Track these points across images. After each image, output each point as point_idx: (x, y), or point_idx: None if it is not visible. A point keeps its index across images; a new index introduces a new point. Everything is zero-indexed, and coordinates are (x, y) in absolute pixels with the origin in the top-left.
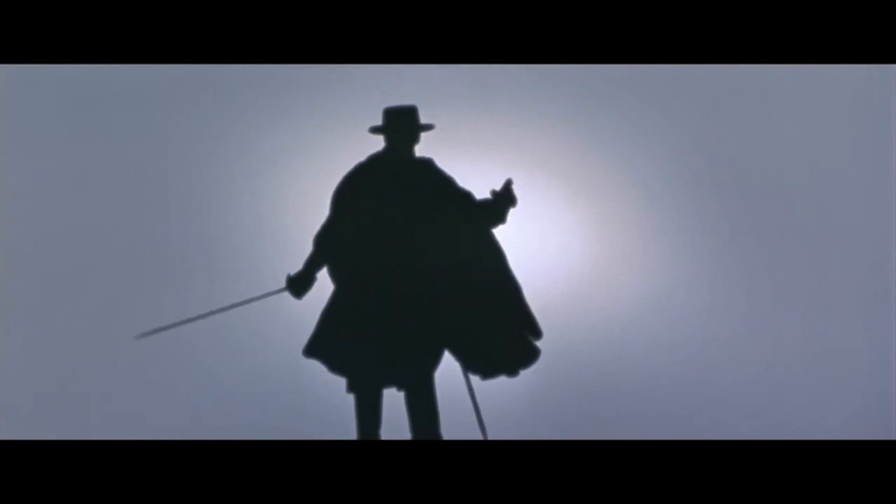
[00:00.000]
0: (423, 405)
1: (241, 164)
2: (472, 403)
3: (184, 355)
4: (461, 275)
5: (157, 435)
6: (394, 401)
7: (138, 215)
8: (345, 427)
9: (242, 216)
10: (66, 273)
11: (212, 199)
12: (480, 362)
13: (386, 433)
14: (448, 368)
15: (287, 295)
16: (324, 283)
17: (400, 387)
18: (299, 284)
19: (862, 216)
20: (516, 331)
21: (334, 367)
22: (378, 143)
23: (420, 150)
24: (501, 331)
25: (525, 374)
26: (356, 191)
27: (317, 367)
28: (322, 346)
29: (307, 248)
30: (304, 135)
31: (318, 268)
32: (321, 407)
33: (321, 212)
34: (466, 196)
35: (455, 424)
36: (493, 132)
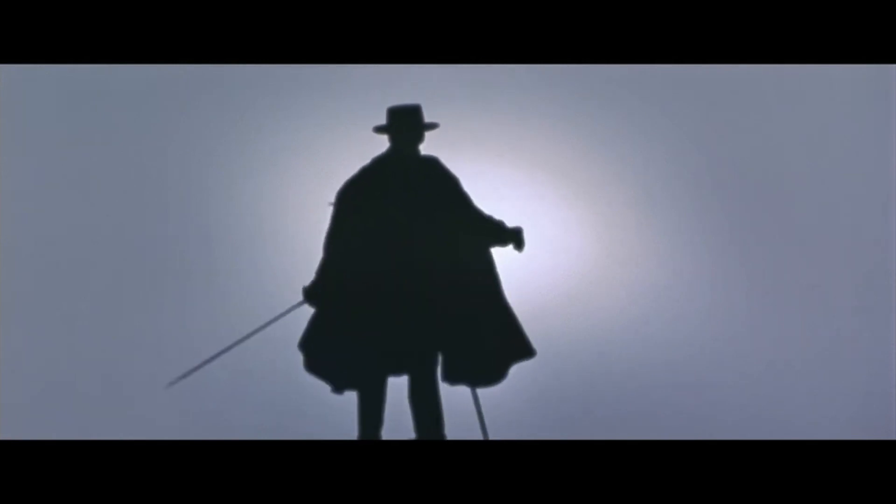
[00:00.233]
0: (426, 407)
1: (241, 164)
2: (474, 404)
3: (184, 355)
4: (453, 279)
5: (157, 435)
6: (394, 401)
7: (138, 215)
8: (345, 427)
9: (242, 216)
10: (66, 273)
11: (212, 199)
12: (465, 370)
13: (386, 433)
14: None
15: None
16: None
17: (403, 373)
18: (317, 294)
19: (862, 216)
20: (498, 345)
21: (336, 382)
22: (380, 143)
23: (422, 150)
24: (483, 343)
25: (525, 374)
26: (361, 194)
27: None
28: (320, 361)
29: (307, 248)
30: (304, 135)
31: (332, 275)
32: (321, 407)
33: (321, 212)
34: (468, 203)
35: (455, 424)
36: (493, 132)
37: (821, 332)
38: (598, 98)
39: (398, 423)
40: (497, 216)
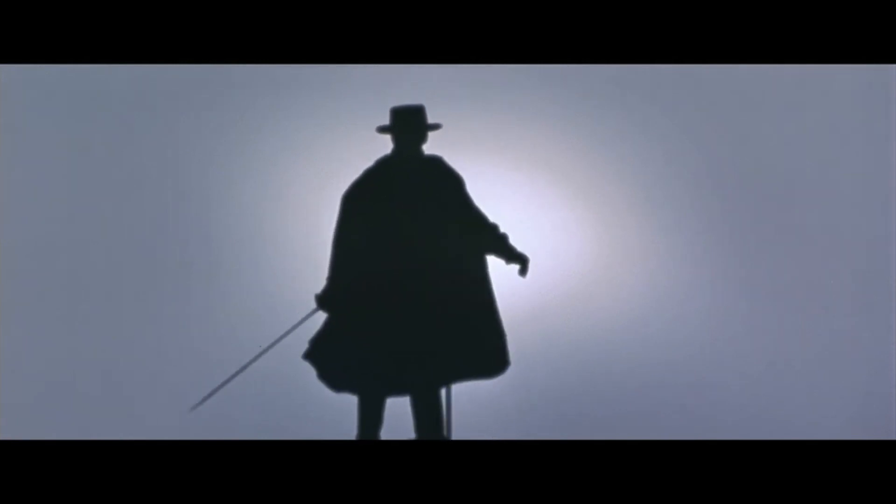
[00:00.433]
0: (428, 409)
1: (241, 164)
2: (445, 401)
3: (184, 355)
4: (452, 281)
5: (157, 435)
6: (394, 401)
7: (138, 215)
8: (345, 427)
9: (242, 216)
10: (66, 273)
11: (212, 199)
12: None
13: (386, 433)
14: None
15: (300, 300)
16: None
17: (405, 394)
18: (330, 300)
19: (862, 216)
20: (484, 347)
21: (338, 385)
22: (381, 143)
23: (424, 150)
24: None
25: (525, 374)
26: (367, 196)
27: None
28: (327, 365)
29: (307, 248)
30: (304, 135)
31: (343, 280)
32: (321, 407)
33: (321, 211)
34: (470, 205)
35: (455, 425)
36: (493, 132)
37: (821, 332)
38: (598, 98)
39: (398, 423)
40: (497, 216)
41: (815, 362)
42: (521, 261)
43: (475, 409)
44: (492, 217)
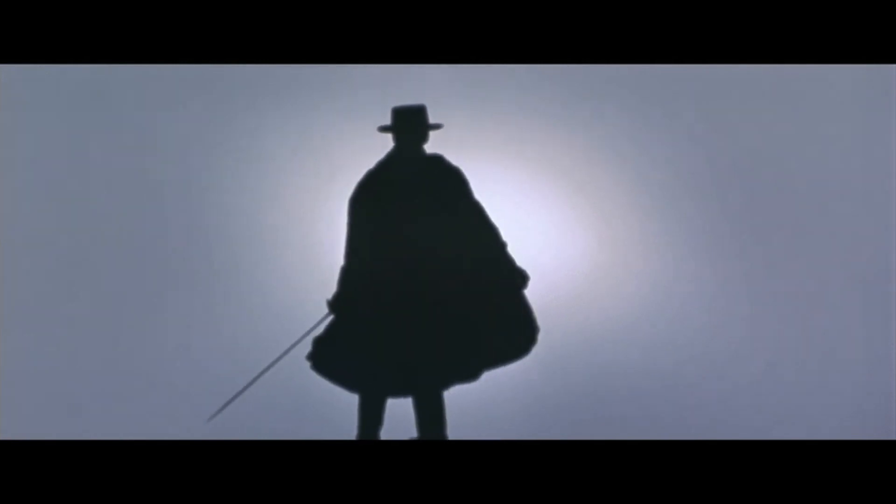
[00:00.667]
0: (428, 407)
1: (241, 163)
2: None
3: (184, 355)
4: (467, 278)
5: (157, 435)
6: (394, 401)
7: (138, 215)
8: (345, 427)
9: (242, 216)
10: (66, 273)
11: (212, 199)
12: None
13: (386, 433)
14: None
15: (300, 300)
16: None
17: (408, 396)
18: (343, 305)
19: (862, 216)
20: (512, 323)
21: (345, 382)
22: (381, 143)
23: (424, 150)
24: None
25: (524, 374)
26: (374, 198)
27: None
28: (331, 362)
29: (307, 248)
30: (304, 135)
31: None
32: (321, 407)
33: (320, 211)
34: (475, 205)
35: (455, 425)
36: (493, 132)
37: (821, 332)
38: (598, 98)
39: (398, 423)
40: (498, 216)
41: (815, 362)
42: (521, 277)
43: (475, 409)
44: (492, 217)
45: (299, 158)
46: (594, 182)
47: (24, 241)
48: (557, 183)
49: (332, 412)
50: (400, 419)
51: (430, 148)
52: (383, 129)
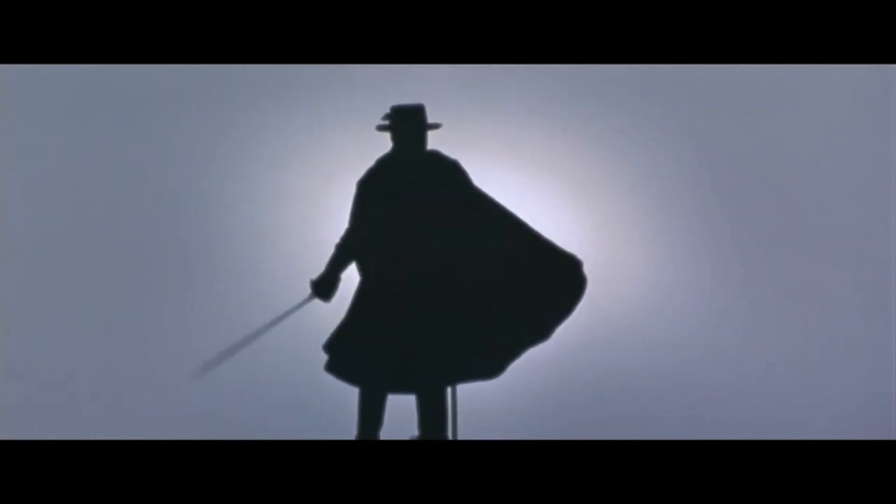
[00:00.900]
0: (431, 405)
1: (241, 164)
2: (451, 401)
3: (184, 355)
4: (481, 272)
5: (157, 435)
6: (394, 401)
7: (138, 215)
8: (345, 427)
9: (242, 216)
10: (65, 273)
11: (212, 199)
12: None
13: (385, 433)
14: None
15: (299, 301)
16: (348, 284)
17: (412, 393)
18: (326, 287)
19: (862, 216)
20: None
21: (353, 379)
22: (381, 143)
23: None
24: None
25: (525, 375)
26: (375, 191)
27: (317, 367)
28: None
29: (307, 247)
30: (304, 135)
31: (341, 269)
32: (321, 407)
33: (320, 211)
34: (478, 194)
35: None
36: (493, 132)
37: (821, 332)
38: (598, 98)
39: (398, 423)
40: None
41: (815, 362)
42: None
43: (475, 409)
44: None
45: (299, 158)
46: (594, 182)
47: (24, 241)
48: (557, 183)
49: (332, 412)
50: (400, 419)
51: (429, 147)
52: (381, 127)
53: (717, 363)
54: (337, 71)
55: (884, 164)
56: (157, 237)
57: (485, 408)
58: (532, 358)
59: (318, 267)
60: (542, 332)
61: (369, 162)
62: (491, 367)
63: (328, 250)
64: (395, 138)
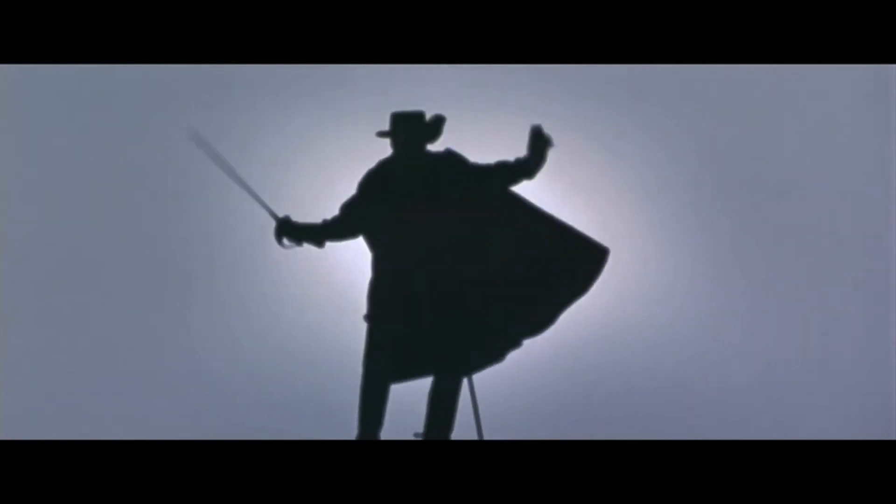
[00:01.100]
0: (442, 406)
1: (241, 163)
2: (471, 402)
3: (184, 355)
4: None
5: (157, 435)
6: (394, 401)
7: (138, 215)
8: (345, 427)
9: (242, 216)
10: (65, 273)
11: (212, 199)
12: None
13: (386, 433)
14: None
15: (299, 301)
16: (311, 254)
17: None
18: (289, 230)
19: (862, 216)
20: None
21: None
22: (380, 143)
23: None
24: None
25: (525, 375)
26: (375, 189)
27: (317, 367)
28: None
29: (306, 247)
30: (305, 135)
31: (312, 235)
32: (321, 407)
33: (320, 211)
34: (490, 172)
35: (456, 425)
36: (493, 132)
37: (821, 332)
38: (598, 98)
39: (398, 423)
40: None
41: (815, 362)
42: (537, 138)
43: (472, 408)
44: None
45: (299, 158)
46: (594, 182)
47: (24, 242)
48: (557, 183)
49: (332, 412)
50: (400, 419)
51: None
52: (382, 133)
53: (717, 363)
54: (337, 71)
55: (884, 164)
56: (157, 237)
57: (484, 408)
58: (532, 358)
59: (319, 267)
60: (557, 301)
61: (369, 163)
62: (517, 332)
63: (328, 250)
64: (394, 144)
